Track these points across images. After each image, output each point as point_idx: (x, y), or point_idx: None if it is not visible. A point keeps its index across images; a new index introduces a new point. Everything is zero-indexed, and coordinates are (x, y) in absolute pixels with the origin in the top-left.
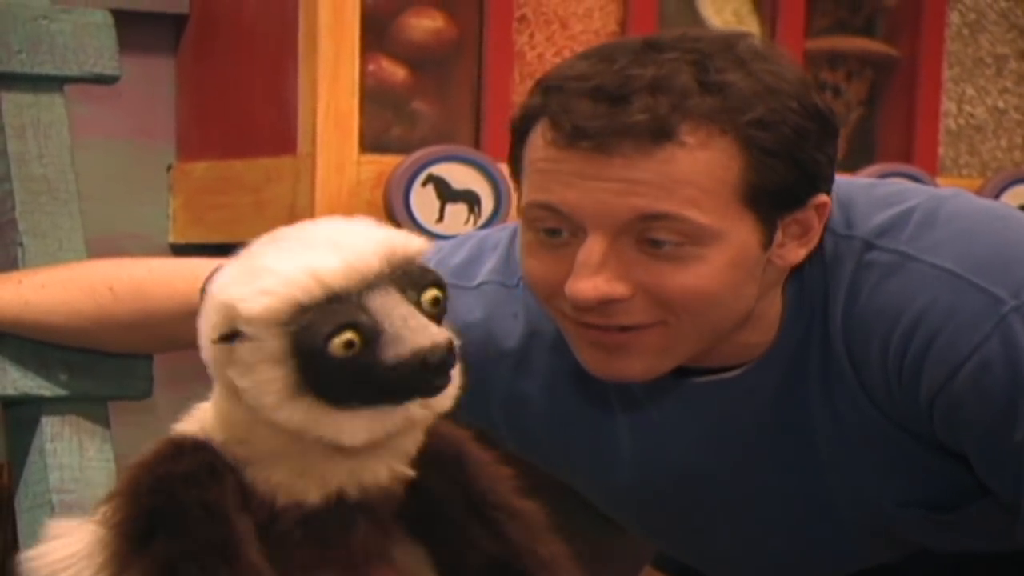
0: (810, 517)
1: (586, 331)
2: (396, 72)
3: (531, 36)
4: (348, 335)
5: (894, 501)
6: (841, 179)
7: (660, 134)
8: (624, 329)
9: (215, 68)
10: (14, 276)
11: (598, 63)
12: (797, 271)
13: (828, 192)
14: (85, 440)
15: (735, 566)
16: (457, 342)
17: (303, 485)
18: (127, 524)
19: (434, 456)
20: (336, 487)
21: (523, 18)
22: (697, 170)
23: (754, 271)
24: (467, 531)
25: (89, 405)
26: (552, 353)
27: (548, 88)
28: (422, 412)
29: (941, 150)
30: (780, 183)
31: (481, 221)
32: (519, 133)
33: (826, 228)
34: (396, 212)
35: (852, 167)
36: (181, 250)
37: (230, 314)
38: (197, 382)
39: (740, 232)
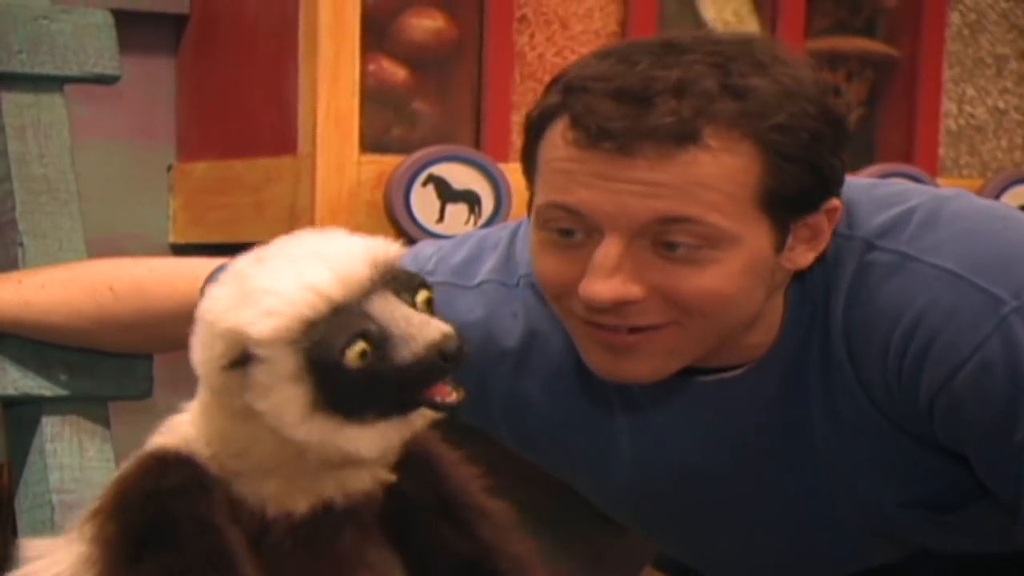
0: (810, 517)
1: (595, 332)
2: (396, 72)
3: (531, 36)
4: (361, 345)
5: (894, 501)
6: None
7: (684, 137)
8: (635, 330)
9: (215, 68)
10: (14, 276)
11: (618, 64)
12: (799, 271)
13: (839, 196)
14: (85, 440)
15: (735, 566)
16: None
17: (292, 496)
18: (116, 540)
19: (404, 457)
20: (324, 496)
21: (523, 18)
22: (719, 174)
23: (766, 274)
24: (438, 531)
25: (89, 405)
26: (552, 353)
27: (569, 87)
28: (426, 416)
29: (941, 150)
30: (797, 188)
31: (481, 221)
32: (535, 131)
33: None
34: (396, 212)
35: (852, 167)
36: (181, 250)
37: (238, 339)
38: (197, 382)
39: (755, 236)
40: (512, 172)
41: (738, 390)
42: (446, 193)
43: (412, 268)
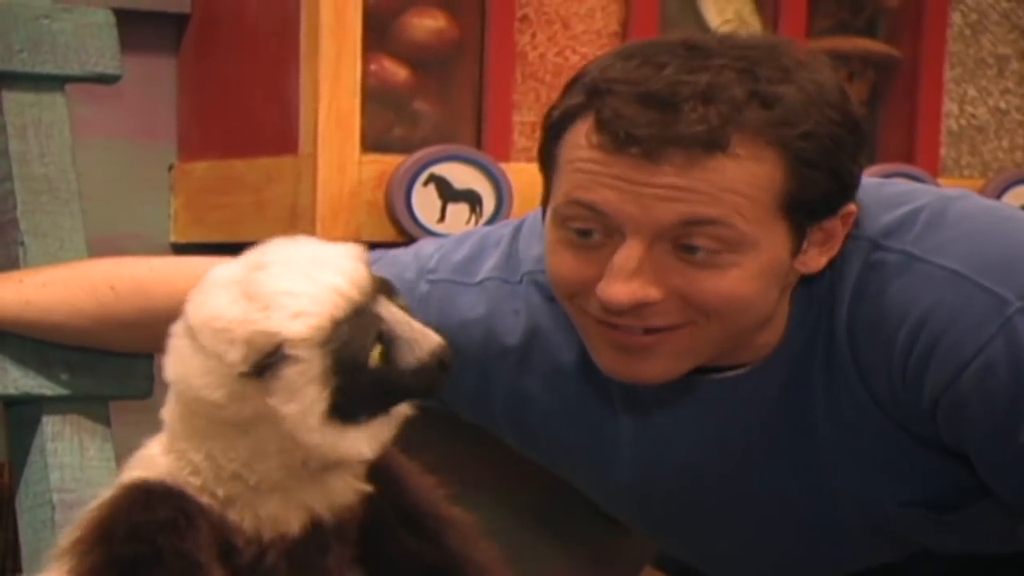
0: (811, 517)
1: (609, 332)
2: (398, 72)
3: (533, 36)
4: (379, 346)
5: (895, 501)
6: None
7: (712, 145)
8: (650, 331)
9: (217, 68)
10: (15, 275)
11: (644, 66)
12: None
13: (855, 200)
14: (86, 439)
15: (736, 565)
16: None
17: (287, 515)
18: (99, 573)
19: (365, 469)
20: (314, 513)
21: (525, 18)
22: (744, 180)
23: (781, 277)
24: (403, 542)
25: (90, 404)
26: (554, 350)
27: (594, 89)
28: (405, 412)
29: (943, 151)
30: (819, 194)
31: (482, 221)
32: (556, 130)
33: None
34: (397, 212)
35: None
36: (182, 250)
37: (267, 342)
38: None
39: (773, 240)
40: (513, 172)
41: (742, 389)
42: (447, 193)
43: (414, 266)
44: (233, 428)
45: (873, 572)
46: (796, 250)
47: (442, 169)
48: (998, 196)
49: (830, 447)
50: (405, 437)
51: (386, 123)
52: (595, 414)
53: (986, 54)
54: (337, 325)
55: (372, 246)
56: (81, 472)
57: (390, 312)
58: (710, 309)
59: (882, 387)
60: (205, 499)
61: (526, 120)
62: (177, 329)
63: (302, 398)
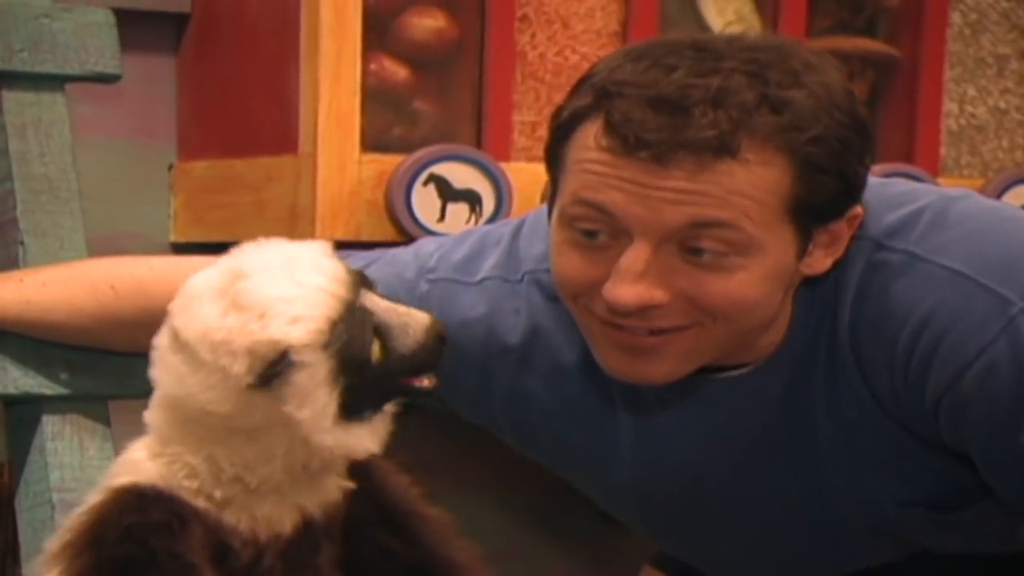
0: (812, 516)
1: (614, 333)
2: (398, 71)
3: (533, 36)
4: (377, 340)
5: (895, 501)
6: None
7: (722, 150)
8: (655, 332)
9: (216, 67)
10: (15, 275)
11: (653, 68)
12: None
13: (861, 202)
14: (86, 439)
15: (736, 565)
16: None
17: (281, 516)
18: (91, 574)
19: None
20: (306, 512)
21: (524, 18)
22: (753, 184)
23: (786, 279)
24: (381, 540)
25: (90, 404)
26: (555, 350)
27: (604, 91)
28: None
29: (942, 150)
30: (826, 197)
31: (482, 220)
32: (563, 131)
33: None
34: (397, 211)
35: None
36: (182, 249)
37: (271, 350)
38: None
39: (780, 243)
40: (513, 171)
41: (744, 389)
42: (447, 192)
43: (414, 265)
44: (240, 435)
45: (873, 572)
46: (802, 252)
47: (442, 169)
48: (998, 196)
49: (831, 447)
50: (406, 437)
51: (386, 123)
52: (596, 414)
53: (986, 54)
54: (334, 325)
55: (372, 246)
56: (81, 472)
57: (376, 303)
58: (716, 311)
59: (884, 387)
60: (200, 502)
61: (526, 120)
62: (163, 342)
63: (313, 402)
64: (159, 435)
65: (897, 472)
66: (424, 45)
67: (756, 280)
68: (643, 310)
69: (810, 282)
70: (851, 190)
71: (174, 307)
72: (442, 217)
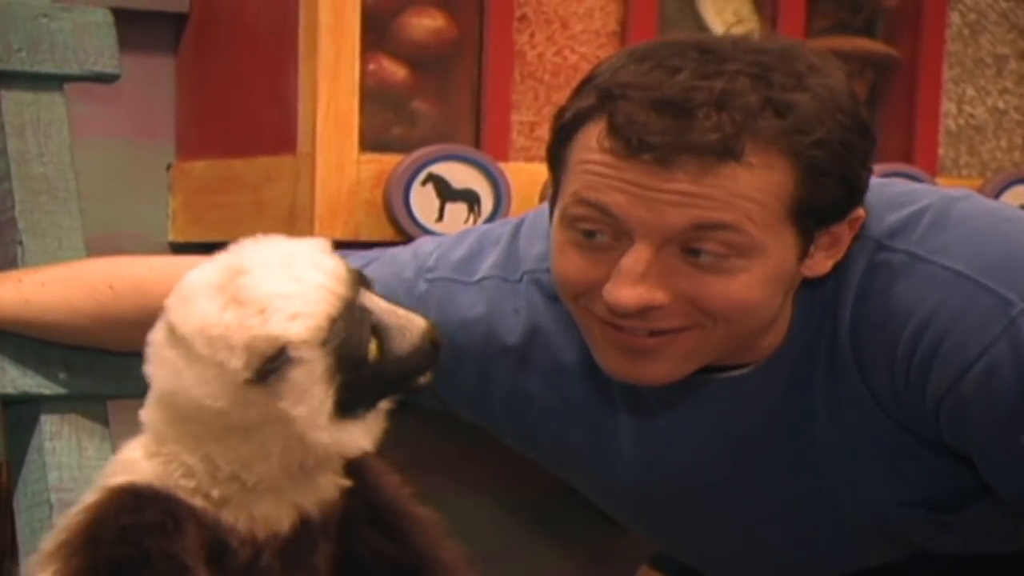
0: (812, 517)
1: (614, 333)
2: (396, 71)
3: (531, 36)
4: (374, 339)
5: (895, 501)
6: None
7: (726, 153)
8: (655, 333)
9: (215, 67)
10: (14, 275)
11: (657, 69)
12: None
13: (863, 204)
14: (84, 439)
15: (736, 565)
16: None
17: (279, 514)
18: (86, 574)
19: None
20: (303, 511)
21: (523, 17)
22: (756, 187)
23: (787, 281)
24: (370, 540)
25: (88, 404)
26: (554, 349)
27: (607, 93)
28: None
29: (941, 150)
30: (829, 200)
31: (481, 220)
32: (566, 131)
33: None
34: (396, 211)
35: None
36: (180, 249)
37: (269, 346)
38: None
39: (781, 245)
40: (512, 171)
41: (744, 389)
42: (445, 192)
43: (413, 264)
44: (235, 432)
45: (873, 572)
46: (803, 255)
47: (440, 168)
48: (996, 196)
49: (831, 447)
50: (404, 437)
51: (384, 122)
52: (596, 414)
53: (984, 54)
54: (334, 323)
55: (370, 245)
56: (79, 471)
57: (374, 303)
58: (717, 313)
59: (884, 387)
60: (198, 501)
61: (524, 120)
62: (159, 338)
63: (310, 399)
64: (155, 434)
65: (897, 472)
66: (423, 45)
67: (757, 282)
68: (643, 311)
69: (810, 283)
70: (853, 193)
71: (171, 302)
72: (441, 217)
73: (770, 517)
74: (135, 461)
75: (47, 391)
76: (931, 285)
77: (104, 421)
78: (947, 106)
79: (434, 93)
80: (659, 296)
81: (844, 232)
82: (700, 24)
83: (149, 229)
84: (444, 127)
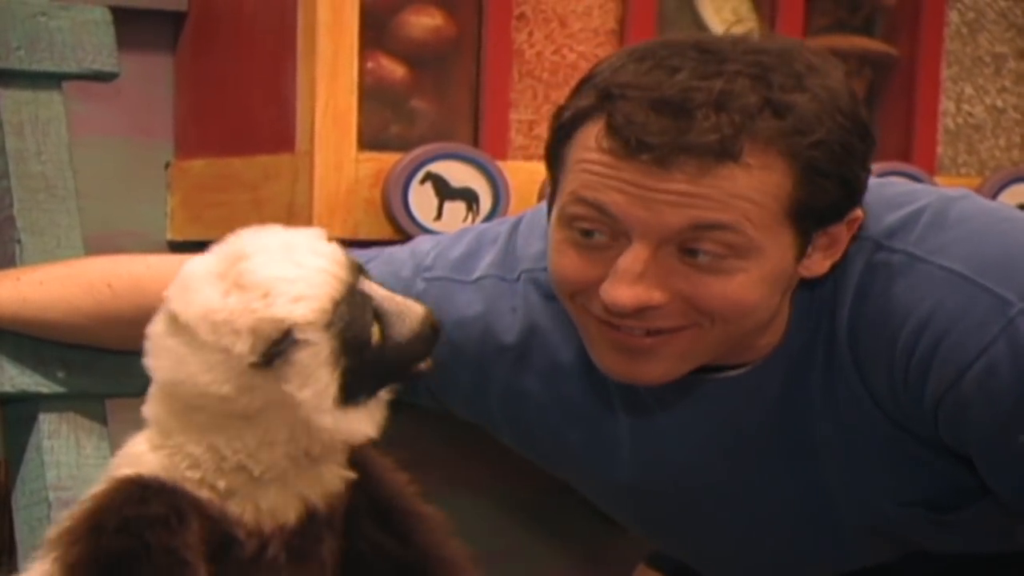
0: (810, 516)
1: (611, 332)
2: (395, 70)
3: (530, 34)
4: (376, 324)
5: (893, 501)
6: None
7: (724, 154)
8: (652, 333)
9: (214, 66)
10: (12, 273)
11: (656, 69)
12: None
13: (862, 205)
14: (82, 437)
15: (733, 564)
16: None
17: (285, 506)
18: (81, 565)
19: None
20: (309, 503)
21: (522, 16)
22: (754, 188)
23: (784, 282)
24: (374, 536)
25: (86, 402)
26: (552, 348)
27: (606, 93)
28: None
29: (940, 149)
30: (828, 201)
31: (479, 219)
32: (565, 131)
33: None
34: (394, 210)
35: None
36: (179, 247)
37: (274, 328)
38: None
39: (779, 246)
40: (510, 170)
41: (741, 389)
42: (444, 191)
43: (410, 263)
44: (240, 420)
45: (872, 572)
46: (800, 255)
47: (439, 167)
48: (995, 195)
49: (829, 447)
50: (402, 436)
51: (383, 121)
52: (593, 413)
53: (983, 53)
54: (337, 306)
55: (369, 244)
56: (77, 470)
57: (374, 289)
58: (715, 313)
59: (883, 387)
60: (204, 493)
61: (523, 118)
62: (159, 330)
63: (315, 382)
64: (159, 427)
65: (895, 472)
66: (421, 43)
67: (754, 282)
68: (640, 311)
69: (809, 283)
70: (852, 194)
71: (170, 292)
72: (439, 215)
73: (768, 516)
74: (141, 454)
75: (45, 390)
76: (929, 285)
77: (102, 420)
78: (946, 105)
79: (433, 91)
80: (656, 296)
81: (842, 233)
82: (699, 23)
83: (147, 227)
84: (443, 126)
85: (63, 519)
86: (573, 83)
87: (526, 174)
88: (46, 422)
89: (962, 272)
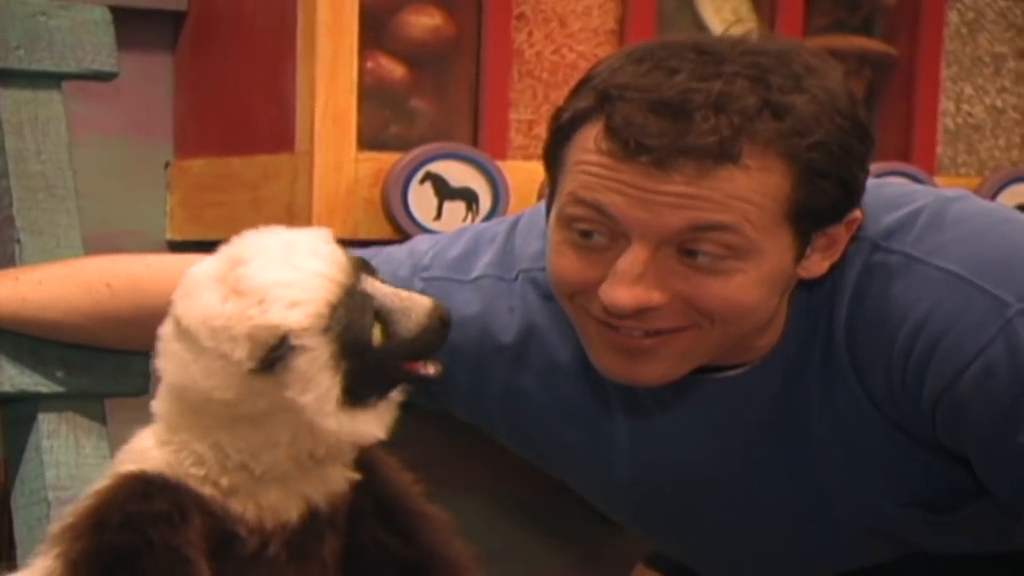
0: (807, 516)
1: (610, 334)
2: (395, 70)
3: (530, 34)
4: (377, 324)
5: (891, 501)
6: None
7: (723, 156)
8: (651, 333)
9: (213, 65)
10: (11, 273)
11: (655, 71)
12: None
13: (860, 206)
14: (81, 437)
15: (731, 564)
16: None
17: (287, 505)
18: (83, 561)
19: None
20: (311, 502)
21: (521, 16)
22: (753, 189)
23: (783, 283)
24: (379, 536)
25: (85, 402)
26: (550, 348)
27: (605, 94)
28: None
29: (939, 149)
30: (827, 203)
31: (479, 219)
32: (563, 132)
33: None
34: (394, 210)
35: None
36: (178, 247)
37: (271, 335)
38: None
39: (778, 247)
40: (510, 170)
41: (739, 389)
42: (443, 190)
43: (408, 263)
44: (245, 421)
45: (869, 572)
46: (799, 256)
47: (438, 167)
48: (994, 195)
49: (826, 447)
50: (400, 435)
51: (383, 121)
52: (591, 413)
53: (983, 52)
54: (334, 309)
55: (368, 244)
56: (77, 470)
57: (376, 288)
58: (714, 314)
59: (880, 388)
60: (207, 490)
61: (522, 118)
62: (167, 332)
63: (316, 386)
64: (166, 423)
65: (893, 473)
66: (421, 43)
67: (753, 283)
68: (640, 312)
69: (807, 283)
70: (850, 195)
71: (176, 295)
72: (438, 215)
73: (766, 517)
74: (147, 450)
75: (44, 389)
76: (927, 286)
77: (101, 419)
78: (945, 105)
79: (432, 91)
80: (656, 297)
81: (841, 234)
82: (698, 22)
83: (147, 227)
84: (442, 125)
85: (66, 515)
86: (573, 83)
87: (526, 174)
88: (45, 422)
89: (959, 273)
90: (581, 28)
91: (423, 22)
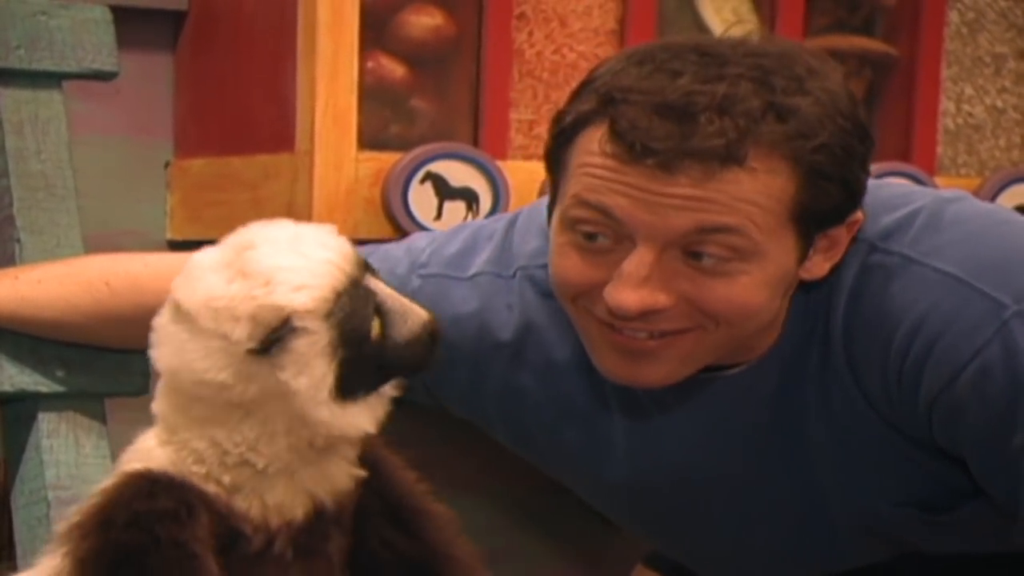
0: (804, 516)
1: (613, 335)
2: (395, 69)
3: (530, 34)
4: (377, 319)
5: (887, 502)
6: None
7: (729, 158)
8: (655, 336)
9: (213, 65)
10: (11, 272)
11: (657, 73)
12: None
13: (862, 207)
14: (81, 436)
15: (728, 564)
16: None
17: (292, 502)
18: (91, 559)
19: None
20: (317, 499)
21: (522, 15)
22: (758, 191)
23: (786, 284)
24: (384, 535)
25: (85, 401)
26: (547, 346)
27: (608, 97)
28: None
29: (939, 149)
30: (830, 204)
31: (479, 218)
32: (566, 135)
33: None
34: (394, 209)
35: None
36: (178, 247)
37: (273, 316)
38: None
39: (782, 249)
40: (510, 169)
41: (736, 389)
42: (444, 190)
43: (406, 260)
44: (237, 410)
45: (866, 571)
46: (802, 258)
47: (439, 167)
48: (995, 195)
49: (823, 448)
50: (398, 434)
51: (383, 120)
52: (588, 411)
53: (983, 53)
54: (339, 297)
55: (369, 243)
56: (76, 469)
57: (379, 287)
58: (719, 316)
59: (876, 389)
60: (211, 487)
61: (523, 118)
62: (163, 319)
63: (311, 371)
64: (166, 423)
65: (889, 473)
66: (421, 43)
67: (758, 285)
68: (645, 314)
69: (805, 284)
70: (853, 196)
71: (176, 283)
72: (439, 215)
73: (763, 516)
74: (150, 449)
75: (44, 389)
76: (924, 287)
77: (101, 419)
78: (945, 105)
79: (433, 91)
80: (661, 299)
81: (842, 235)
82: (699, 23)
83: (147, 227)
84: (442, 125)
85: (72, 514)
86: (573, 83)
87: (526, 174)
88: (45, 421)
89: (957, 274)
90: (582, 28)
91: (423, 22)
